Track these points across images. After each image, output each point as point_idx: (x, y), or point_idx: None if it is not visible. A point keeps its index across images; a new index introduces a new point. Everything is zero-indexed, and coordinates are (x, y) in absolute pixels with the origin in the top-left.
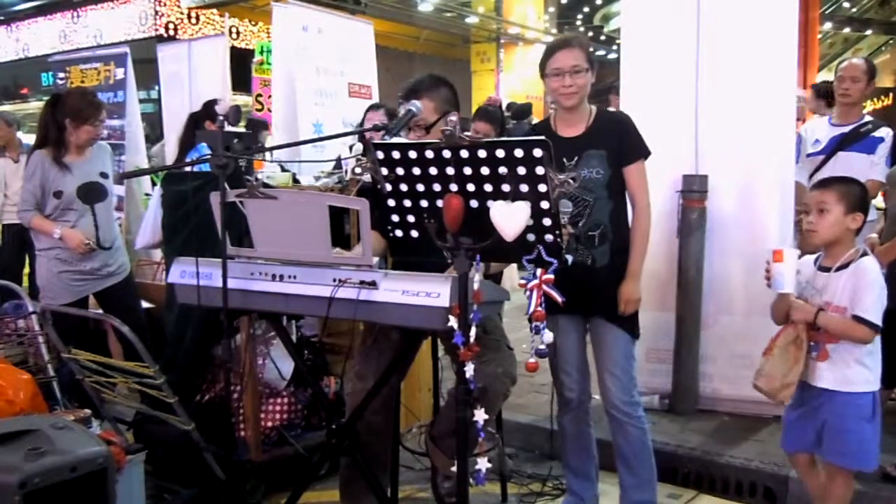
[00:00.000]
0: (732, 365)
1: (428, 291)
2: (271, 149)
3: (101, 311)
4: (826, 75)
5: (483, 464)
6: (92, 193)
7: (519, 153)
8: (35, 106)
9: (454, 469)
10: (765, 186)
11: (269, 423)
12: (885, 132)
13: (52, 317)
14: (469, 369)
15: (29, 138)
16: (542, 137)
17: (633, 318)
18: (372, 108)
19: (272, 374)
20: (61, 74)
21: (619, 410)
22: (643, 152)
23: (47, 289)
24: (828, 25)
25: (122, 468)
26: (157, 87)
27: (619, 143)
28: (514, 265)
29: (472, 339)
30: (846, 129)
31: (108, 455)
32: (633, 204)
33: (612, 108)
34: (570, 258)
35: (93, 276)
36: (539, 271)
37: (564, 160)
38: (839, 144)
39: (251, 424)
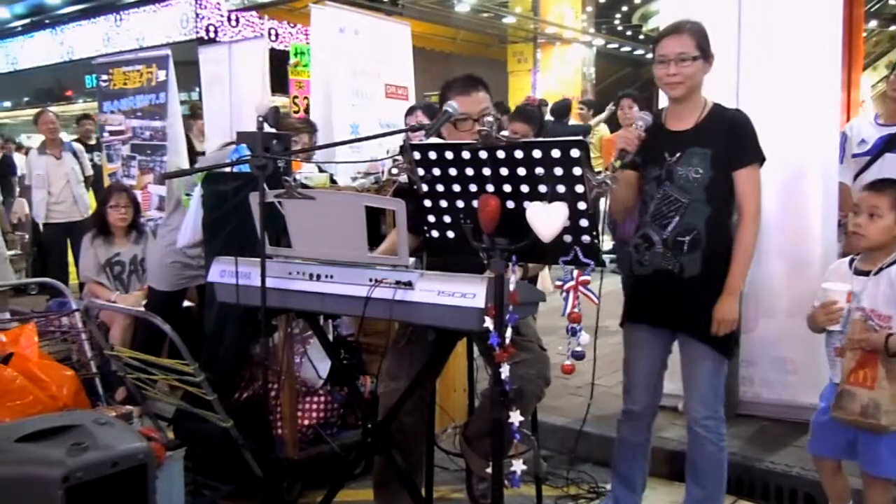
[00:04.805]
0: (773, 369)
1: (464, 292)
2: (308, 150)
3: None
4: (871, 74)
5: (518, 466)
6: None
7: (556, 153)
8: (79, 108)
9: (489, 470)
10: (808, 187)
11: (306, 422)
12: None
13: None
14: (504, 370)
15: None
16: (580, 138)
17: (728, 337)
18: (414, 109)
19: (309, 372)
20: (104, 76)
21: (699, 425)
22: (757, 156)
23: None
24: (873, 23)
25: (162, 464)
26: (197, 89)
27: (729, 143)
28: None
29: (507, 341)
30: (894, 130)
31: (148, 451)
32: (739, 212)
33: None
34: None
35: (198, 270)
36: (575, 272)
37: (666, 155)
38: (887, 145)
39: (288, 422)
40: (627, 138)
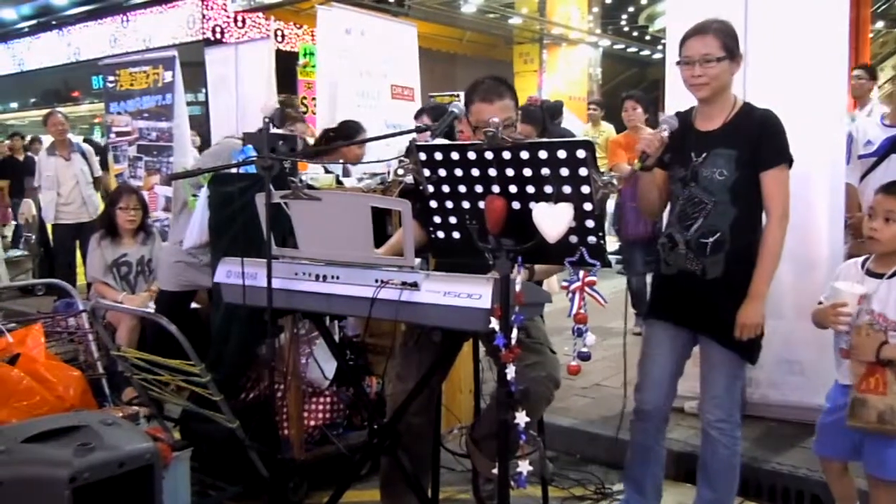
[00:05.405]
0: (780, 370)
1: (469, 293)
2: (314, 152)
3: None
4: (879, 76)
5: (524, 467)
6: None
7: (562, 154)
8: (86, 109)
9: (495, 471)
10: (815, 188)
11: (312, 422)
12: None
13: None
14: (510, 371)
15: (79, 139)
16: (586, 138)
17: (752, 342)
18: (421, 112)
19: (315, 373)
20: (111, 77)
21: (714, 428)
22: (784, 157)
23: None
24: (880, 24)
25: (169, 464)
26: (204, 90)
27: (757, 144)
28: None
29: (513, 342)
30: None
31: (154, 451)
32: (766, 214)
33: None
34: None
35: (202, 269)
36: (581, 273)
37: (693, 155)
38: (893, 146)
39: (294, 423)
40: (649, 141)
